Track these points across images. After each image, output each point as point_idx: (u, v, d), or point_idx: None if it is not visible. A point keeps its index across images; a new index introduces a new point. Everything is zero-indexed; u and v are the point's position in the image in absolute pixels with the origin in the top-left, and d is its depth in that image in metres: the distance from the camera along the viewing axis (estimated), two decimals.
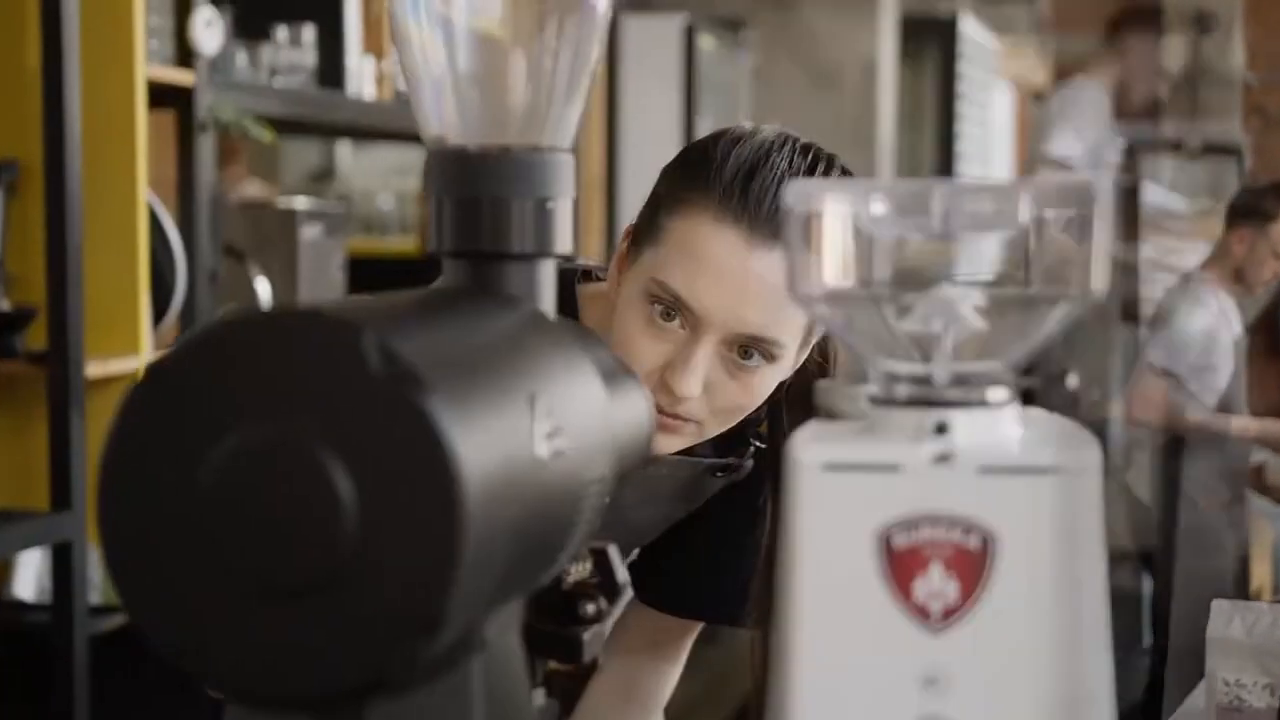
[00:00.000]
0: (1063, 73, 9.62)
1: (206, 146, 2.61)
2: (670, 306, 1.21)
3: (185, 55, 2.58)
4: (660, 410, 1.22)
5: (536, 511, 0.65)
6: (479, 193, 0.75)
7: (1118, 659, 0.66)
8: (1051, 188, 0.66)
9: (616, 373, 0.81)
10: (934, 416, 0.65)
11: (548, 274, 0.77)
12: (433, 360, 0.60)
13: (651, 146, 4.92)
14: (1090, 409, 4.51)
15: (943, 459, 0.64)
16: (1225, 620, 1.78)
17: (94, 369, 2.34)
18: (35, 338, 2.34)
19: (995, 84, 8.22)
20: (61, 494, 2.27)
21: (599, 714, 1.41)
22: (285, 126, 3.15)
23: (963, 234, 0.66)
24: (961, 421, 0.65)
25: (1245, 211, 4.52)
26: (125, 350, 2.41)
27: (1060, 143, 4.33)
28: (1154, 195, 6.74)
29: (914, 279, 0.69)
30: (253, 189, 4.39)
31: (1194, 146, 8.10)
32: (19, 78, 2.36)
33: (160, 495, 0.59)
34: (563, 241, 0.77)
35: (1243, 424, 4.64)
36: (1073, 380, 4.15)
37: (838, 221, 0.67)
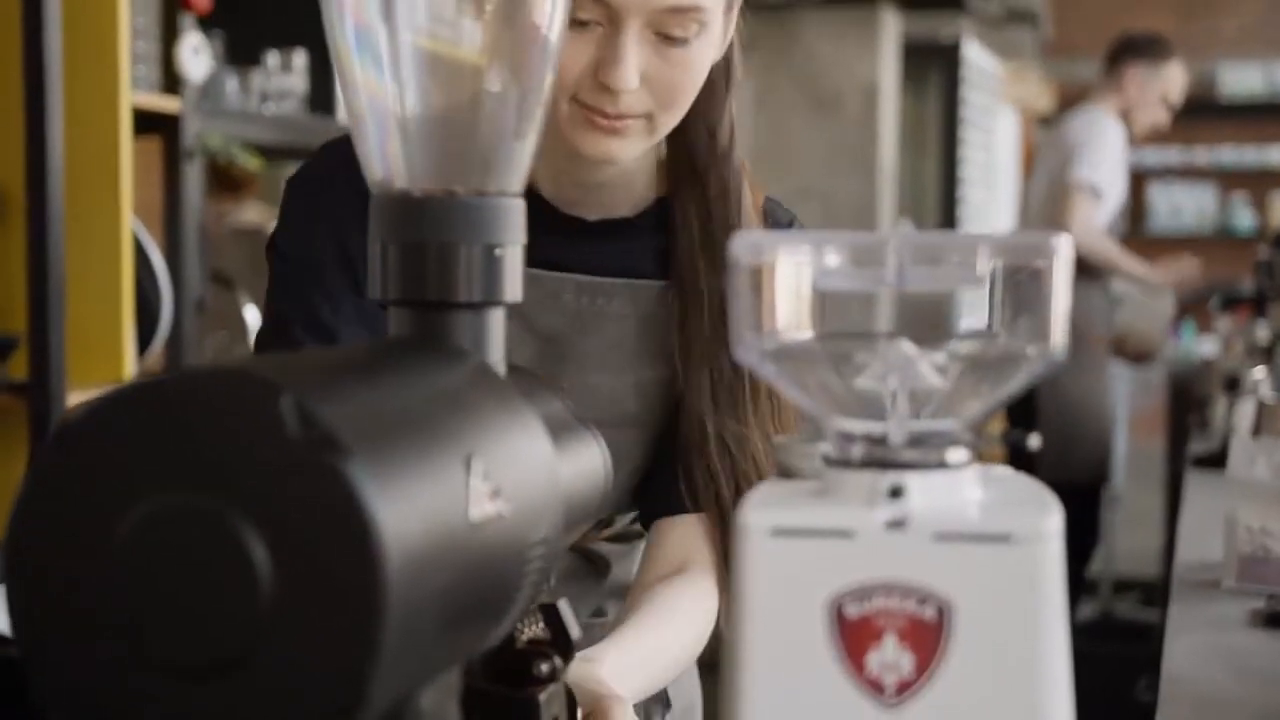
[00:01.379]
0: (1067, 97, 9.63)
1: (193, 174, 2.59)
2: (579, 8, 1.16)
3: (173, 82, 2.56)
4: (604, 114, 1.20)
5: (472, 578, 0.62)
6: (424, 238, 0.72)
7: None
8: (1011, 241, 0.63)
9: (568, 425, 0.78)
10: (889, 479, 0.62)
11: (497, 323, 0.74)
12: (357, 422, 0.57)
13: None
14: None
15: (896, 525, 0.61)
16: (1247, 459, 1.62)
17: (76, 399, 2.31)
18: (16, 367, 2.31)
19: (999, 108, 8.20)
20: None
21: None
22: (277, 152, 3.13)
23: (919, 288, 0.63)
24: (917, 485, 0.62)
25: (1140, 50, 4.50)
26: (109, 380, 2.37)
27: (1089, 168, 4.31)
28: (972, 53, 6.80)
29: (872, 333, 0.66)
30: (252, 213, 4.38)
31: (995, 14, 8.09)
32: (2, 105, 2.34)
33: (69, 562, 0.57)
34: (512, 290, 0.74)
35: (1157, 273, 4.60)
36: (1034, 440, 4.12)
37: (789, 273, 0.64)
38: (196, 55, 2.55)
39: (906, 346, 0.64)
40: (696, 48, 1.20)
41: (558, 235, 1.31)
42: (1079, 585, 4.65)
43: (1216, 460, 2.69)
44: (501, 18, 0.76)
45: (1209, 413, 3.51)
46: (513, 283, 0.74)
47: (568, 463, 0.74)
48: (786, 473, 0.70)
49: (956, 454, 0.64)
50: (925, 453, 0.63)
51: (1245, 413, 2.83)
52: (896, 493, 0.62)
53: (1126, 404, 6.00)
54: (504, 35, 0.75)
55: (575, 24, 1.17)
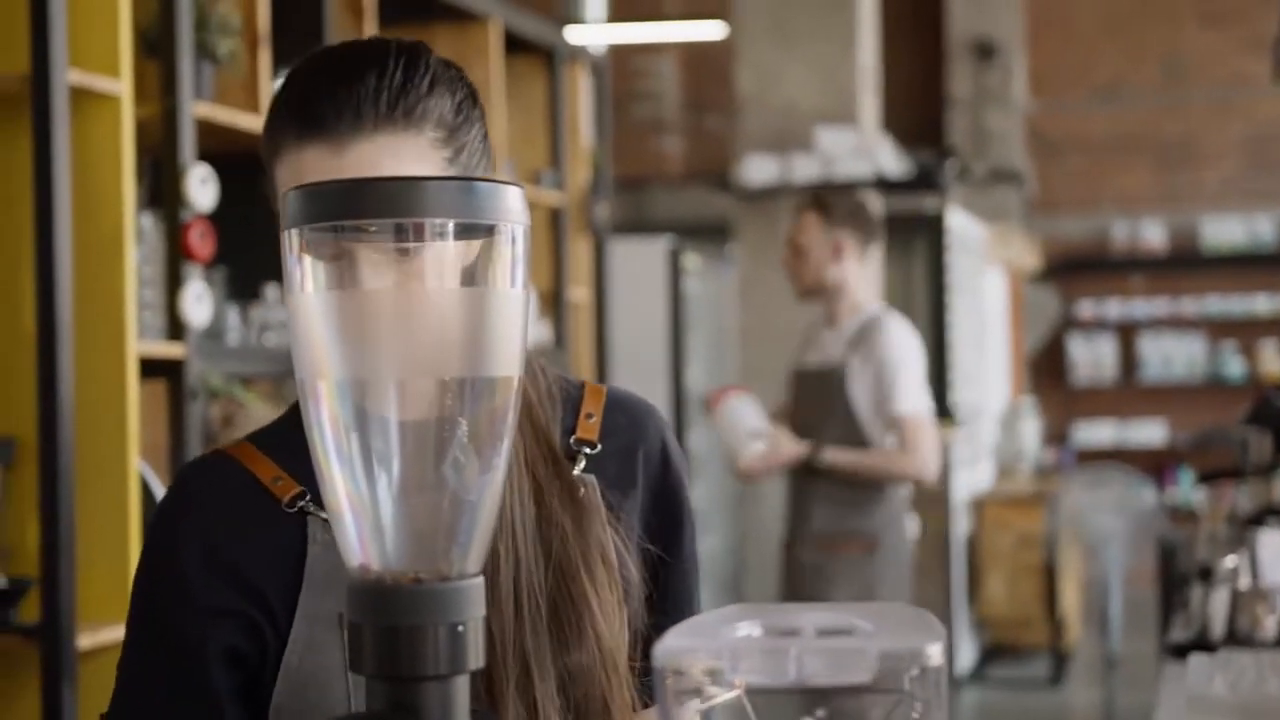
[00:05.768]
0: (1052, 254, 9.80)
1: (196, 413, 2.71)
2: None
3: (177, 328, 2.69)
4: None
5: None
6: (396, 622, 0.83)
7: None
8: (892, 649, 0.73)
9: None
10: None
11: (461, 689, 0.85)
12: None
13: (643, 372, 5.02)
14: None
15: None
16: (1205, 676, 1.69)
17: (86, 640, 2.41)
18: (28, 610, 2.41)
19: (986, 269, 8.34)
20: None
21: None
22: (277, 379, 3.26)
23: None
24: None
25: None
26: (118, 620, 2.47)
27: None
28: (956, 220, 6.72)
29: None
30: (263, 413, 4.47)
31: (980, 176, 7.97)
32: (15, 357, 2.47)
33: None
34: (475, 658, 0.85)
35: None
36: None
37: (704, 675, 0.74)
38: (199, 302, 2.69)
39: None
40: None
41: None
42: None
43: (1195, 649, 2.76)
44: (461, 408, 0.87)
45: (1189, 593, 3.59)
46: (475, 652, 0.85)
47: None
48: None
49: None
50: None
51: (1220, 601, 2.91)
52: None
53: (1120, 565, 6.08)
54: (466, 438, 0.86)
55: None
